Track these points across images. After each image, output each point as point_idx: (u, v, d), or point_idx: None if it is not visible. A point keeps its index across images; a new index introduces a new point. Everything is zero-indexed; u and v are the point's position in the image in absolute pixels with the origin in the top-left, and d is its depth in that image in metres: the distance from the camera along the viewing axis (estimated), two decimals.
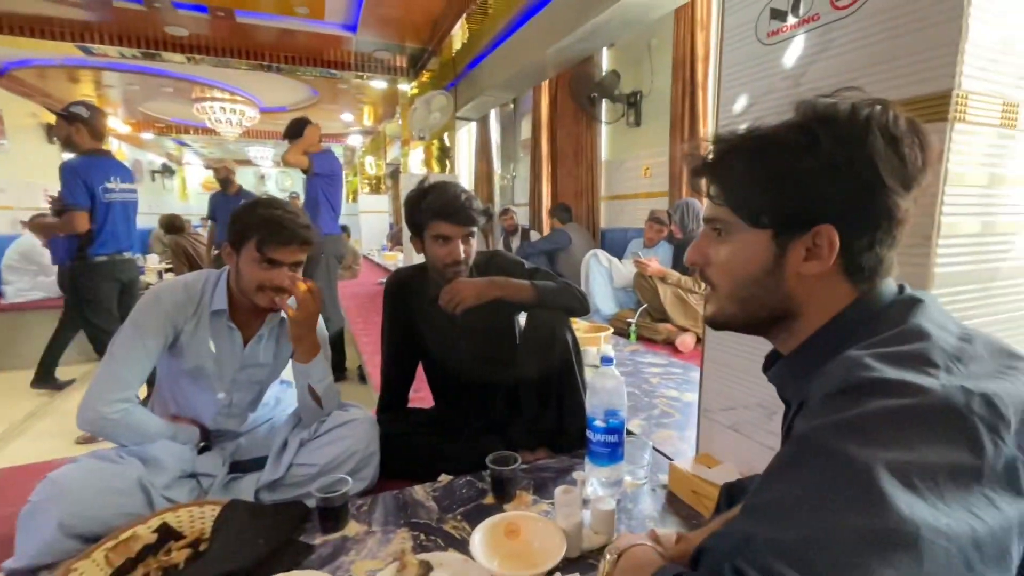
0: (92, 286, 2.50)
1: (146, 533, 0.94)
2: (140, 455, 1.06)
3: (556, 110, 4.67)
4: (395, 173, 8.31)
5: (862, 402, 0.40)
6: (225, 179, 4.13)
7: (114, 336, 1.09)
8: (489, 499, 1.16)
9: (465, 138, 6.38)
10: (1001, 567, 0.37)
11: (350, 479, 1.06)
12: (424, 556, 0.90)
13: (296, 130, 2.71)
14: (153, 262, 5.40)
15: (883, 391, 0.40)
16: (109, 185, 2.46)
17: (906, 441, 0.37)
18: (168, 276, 4.82)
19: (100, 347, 2.55)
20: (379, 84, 5.09)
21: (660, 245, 3.09)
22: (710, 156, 0.55)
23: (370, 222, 8.27)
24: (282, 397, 1.43)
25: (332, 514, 1.02)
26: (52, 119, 5.74)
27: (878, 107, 0.49)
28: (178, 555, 0.91)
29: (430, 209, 1.26)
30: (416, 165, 4.97)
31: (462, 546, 0.97)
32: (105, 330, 2.51)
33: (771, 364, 0.62)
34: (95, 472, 0.99)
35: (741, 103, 1.05)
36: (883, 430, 0.38)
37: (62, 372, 3.56)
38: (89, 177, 2.39)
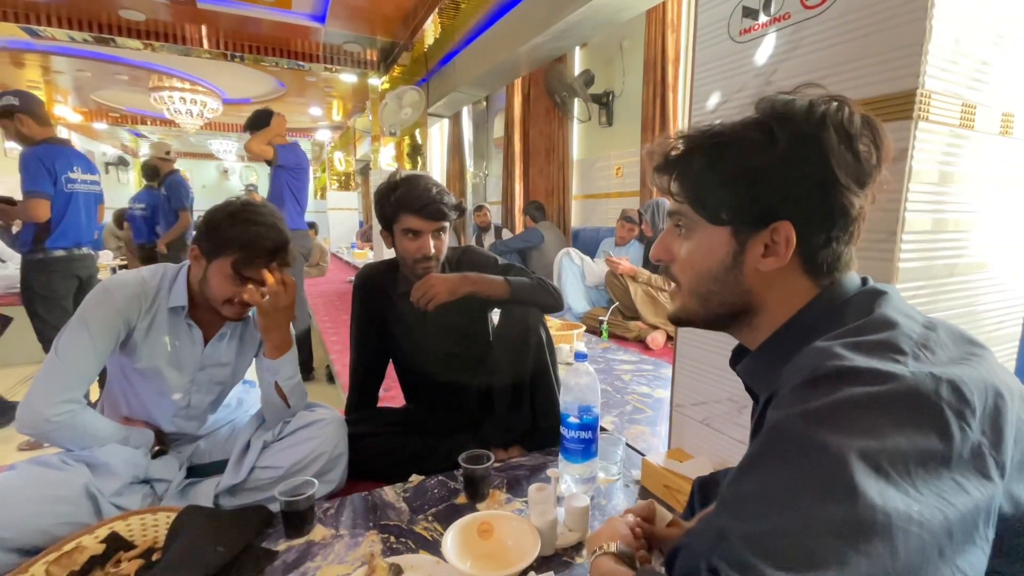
0: (46, 281, 2.35)
1: (92, 543, 0.87)
2: (87, 460, 0.99)
3: (529, 108, 4.67)
4: (365, 169, 8.17)
5: (832, 391, 0.40)
6: (154, 168, 3.94)
7: (59, 332, 1.01)
8: (461, 499, 1.13)
9: (437, 135, 6.31)
10: (968, 551, 0.37)
11: (316, 481, 1.02)
12: (394, 559, 0.87)
13: (260, 120, 2.62)
14: (107, 259, 5.13)
15: (852, 379, 0.40)
16: (71, 175, 2.32)
17: (877, 429, 0.37)
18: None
19: (47, 347, 2.40)
20: (349, 78, 4.98)
21: (631, 244, 3.12)
22: (672, 153, 0.56)
23: (339, 219, 8.09)
24: (244, 398, 1.37)
25: (297, 518, 0.97)
26: None
27: (834, 104, 0.50)
28: (128, 566, 0.85)
29: (400, 202, 1.23)
30: (387, 161, 4.88)
31: (434, 548, 0.95)
32: (55, 329, 2.36)
33: (738, 359, 0.62)
34: (35, 479, 0.92)
35: (713, 100, 1.06)
36: (854, 418, 0.38)
37: (6, 375, 3.36)
38: (53, 165, 2.25)
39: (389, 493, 1.16)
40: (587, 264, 3.18)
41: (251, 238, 1.06)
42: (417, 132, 5.03)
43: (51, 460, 0.97)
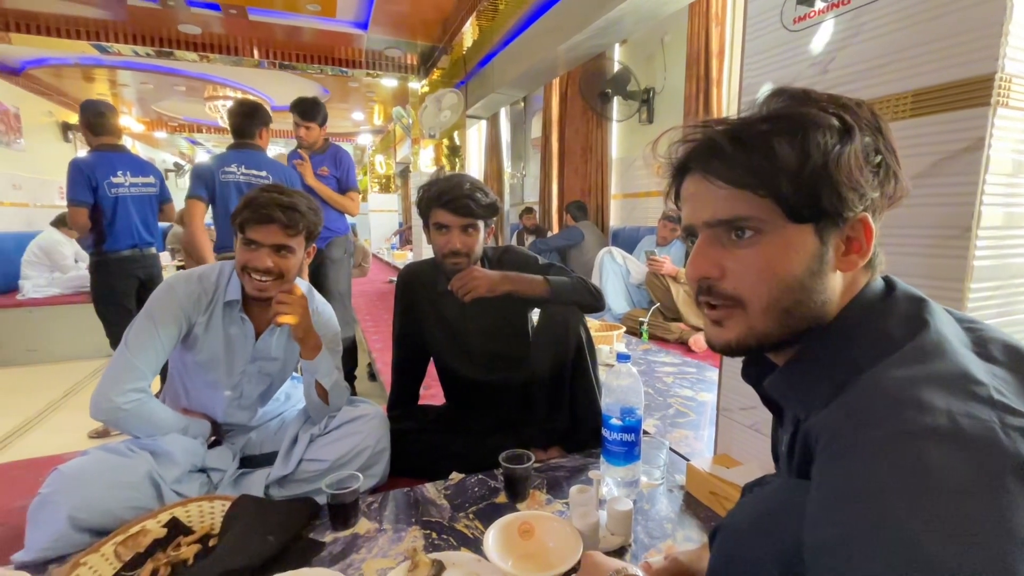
0: (106, 282, 2.52)
1: (155, 527, 0.92)
2: (151, 448, 1.05)
3: (567, 108, 4.63)
4: (405, 172, 8.33)
5: (922, 457, 0.34)
6: None
7: (129, 326, 1.08)
8: (501, 498, 1.13)
9: (475, 136, 6.37)
10: None
11: (360, 476, 1.04)
12: (436, 555, 0.88)
13: (318, 112, 2.60)
14: (166, 259, 5.42)
15: (941, 441, 0.34)
16: (115, 180, 2.46)
17: (979, 512, 0.31)
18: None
19: (114, 342, 2.56)
20: (390, 82, 5.09)
21: (673, 244, 3.05)
22: (726, 139, 0.48)
23: (380, 221, 8.28)
24: (292, 393, 1.41)
25: (343, 511, 1.00)
26: (68, 118, 5.83)
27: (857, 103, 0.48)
28: (187, 550, 0.89)
29: (431, 197, 1.25)
30: (426, 164, 4.96)
31: (474, 545, 0.95)
32: (117, 326, 2.52)
33: (758, 371, 0.58)
34: (105, 465, 0.98)
35: (765, 93, 1.02)
36: (950, 497, 0.32)
37: (78, 367, 3.61)
38: (93, 173, 2.39)
39: (430, 490, 1.17)
40: (630, 262, 3.13)
41: (250, 198, 1.10)
42: (456, 134, 5.10)
43: (118, 447, 1.04)
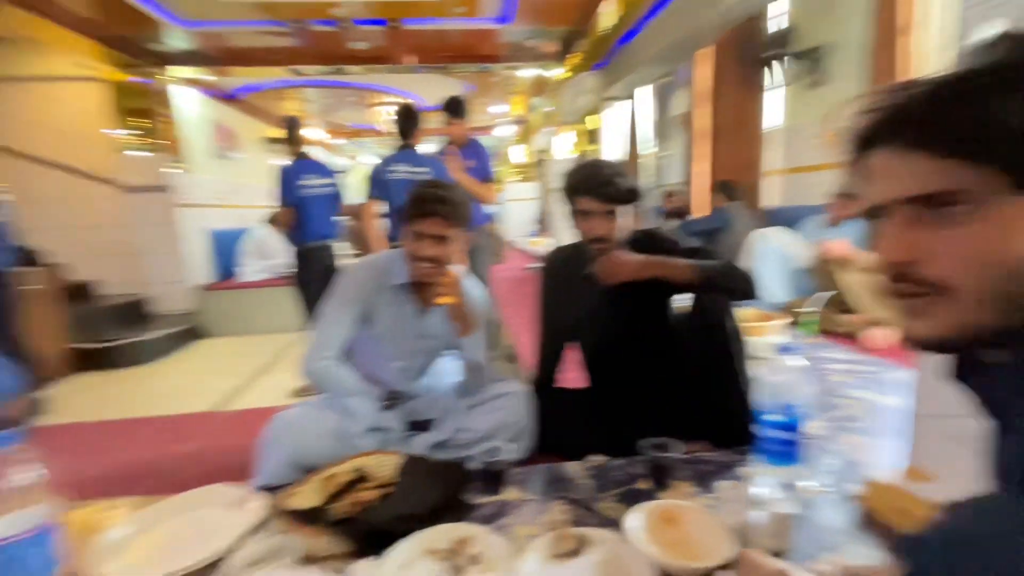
0: (301, 267, 3.03)
1: (344, 472, 1.10)
2: (340, 407, 1.26)
3: (716, 80, 4.27)
4: (542, 160, 8.47)
5: None
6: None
7: (323, 305, 1.30)
8: (643, 483, 1.13)
9: (615, 119, 6.21)
10: None
11: (509, 447, 1.12)
12: (581, 530, 0.91)
13: (464, 108, 2.83)
14: (342, 249, 6.29)
15: None
16: (302, 183, 2.95)
17: None
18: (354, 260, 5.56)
19: (308, 319, 3.09)
20: (529, 72, 5.20)
21: (846, 225, 2.65)
22: (938, 100, 0.41)
23: (518, 210, 8.57)
24: (448, 368, 1.56)
25: (493, 478, 1.09)
26: (269, 132, 7.05)
27: None
28: (371, 493, 1.05)
29: (574, 184, 1.27)
30: (563, 150, 4.99)
31: (615, 527, 0.96)
32: (310, 305, 3.04)
33: (966, 370, 0.49)
34: (309, 417, 1.20)
35: (985, 38, 0.83)
36: None
37: (280, 339, 4.39)
38: (293, 178, 2.91)
39: (573, 468, 1.21)
40: (792, 245, 2.81)
41: (415, 194, 1.24)
42: (594, 118, 5.03)
43: (318, 403, 1.26)
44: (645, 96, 5.59)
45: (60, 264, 4.33)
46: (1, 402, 1.60)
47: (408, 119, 2.57)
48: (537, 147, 8.29)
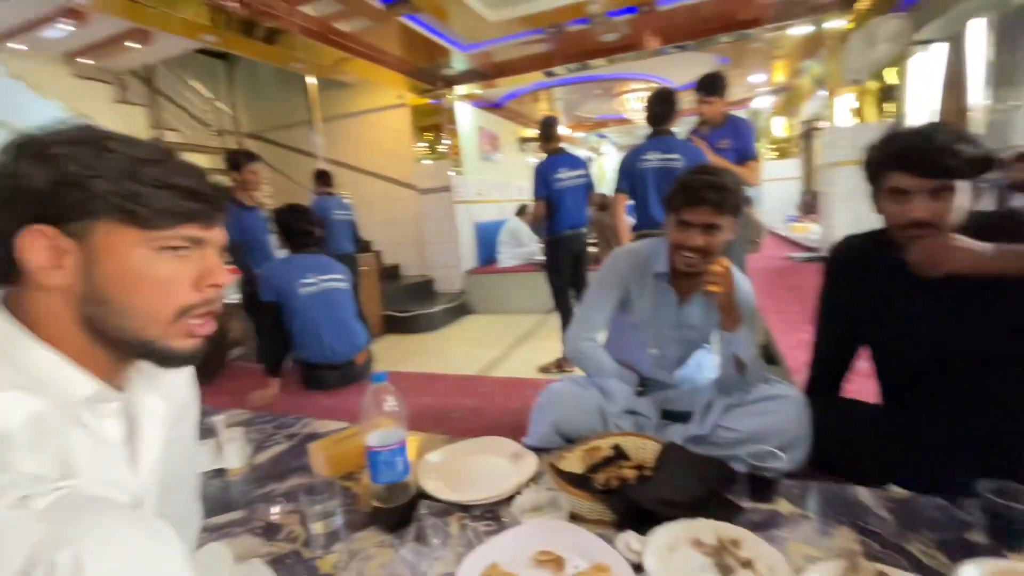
0: (552, 255, 3.31)
1: (606, 448, 1.17)
2: (599, 386, 1.34)
3: None
4: (808, 132, 7.24)
5: None
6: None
7: (587, 288, 1.40)
8: (976, 535, 0.88)
9: (924, 69, 4.84)
10: None
11: (783, 455, 1.02)
12: (883, 568, 0.77)
13: (720, 85, 2.64)
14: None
15: None
16: (557, 176, 3.18)
17: None
18: (591, 251, 5.75)
19: (556, 302, 3.36)
20: (800, 30, 4.47)
21: None
22: None
23: (775, 191, 7.54)
24: (703, 362, 1.50)
25: (764, 485, 1.00)
26: (522, 133, 7.82)
27: None
28: (628, 472, 1.09)
29: (888, 156, 1.02)
30: (844, 116, 4.15)
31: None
32: (559, 288, 3.30)
33: None
34: (574, 391, 1.31)
35: None
36: None
37: (529, 319, 4.89)
38: (546, 173, 3.17)
39: (866, 495, 1.02)
40: None
41: (684, 181, 1.18)
42: (890, 71, 4.02)
43: (580, 380, 1.37)
44: (978, 31, 4.19)
45: (378, 251, 5.73)
46: (359, 351, 2.21)
47: (662, 104, 2.51)
48: (804, 117, 7.11)
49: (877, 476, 1.09)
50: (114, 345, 0.56)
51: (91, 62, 4.18)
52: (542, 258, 5.33)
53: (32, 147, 0.52)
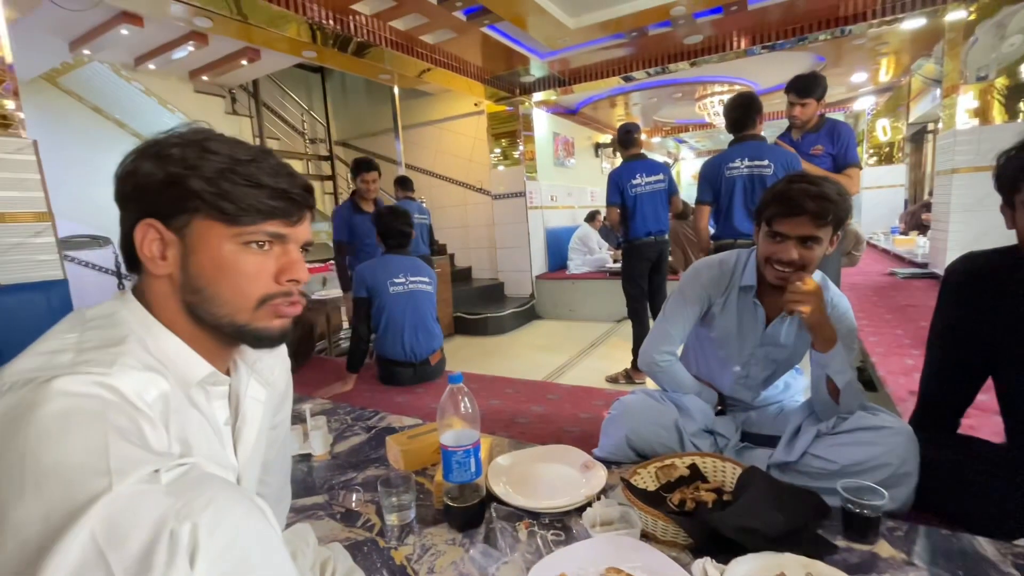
0: (627, 263, 3.23)
1: (681, 466, 1.12)
2: (676, 401, 1.29)
3: None
4: (918, 135, 6.56)
5: None
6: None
7: (666, 300, 1.35)
8: None
9: None
10: None
11: (886, 493, 0.92)
12: None
13: (816, 86, 2.46)
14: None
15: None
16: (634, 182, 3.10)
17: None
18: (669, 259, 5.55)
19: (630, 311, 3.28)
20: (913, 23, 4.07)
21: None
22: None
23: (875, 199, 6.89)
24: (791, 383, 1.40)
25: (863, 523, 0.91)
26: (598, 139, 7.73)
27: None
28: (707, 494, 1.04)
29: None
30: (963, 117, 3.71)
31: None
32: (634, 297, 3.22)
33: None
34: (649, 404, 1.27)
35: None
36: None
37: (599, 327, 4.81)
38: (620, 180, 3.10)
39: (988, 548, 0.90)
40: None
41: (780, 191, 1.09)
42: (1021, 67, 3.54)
43: (655, 394, 1.32)
44: None
45: (452, 254, 5.89)
46: (434, 352, 2.29)
47: (742, 109, 2.37)
48: (912, 119, 6.45)
49: (1002, 526, 0.96)
50: (213, 328, 0.61)
51: (208, 78, 4.67)
52: (613, 265, 5.27)
53: (151, 148, 0.58)
